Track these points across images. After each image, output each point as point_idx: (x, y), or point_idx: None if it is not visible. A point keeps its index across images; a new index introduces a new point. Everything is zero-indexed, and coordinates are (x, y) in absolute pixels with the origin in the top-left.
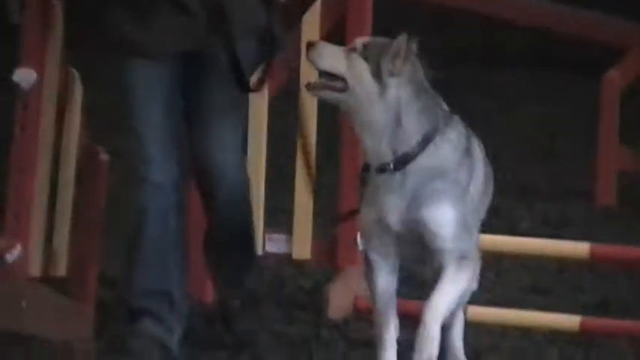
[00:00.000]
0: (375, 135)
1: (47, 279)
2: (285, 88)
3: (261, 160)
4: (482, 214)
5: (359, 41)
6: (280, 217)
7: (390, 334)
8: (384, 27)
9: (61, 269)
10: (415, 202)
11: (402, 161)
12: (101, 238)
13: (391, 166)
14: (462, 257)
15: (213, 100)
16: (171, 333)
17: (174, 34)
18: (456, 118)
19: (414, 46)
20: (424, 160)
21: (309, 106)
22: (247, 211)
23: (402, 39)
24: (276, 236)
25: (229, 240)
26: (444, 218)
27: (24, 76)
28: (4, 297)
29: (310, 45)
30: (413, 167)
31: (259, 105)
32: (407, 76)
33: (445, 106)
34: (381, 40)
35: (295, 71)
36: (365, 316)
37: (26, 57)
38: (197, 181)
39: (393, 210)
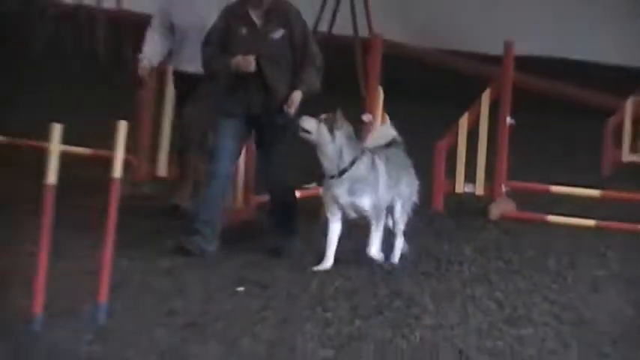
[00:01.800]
0: (329, 159)
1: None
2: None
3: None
4: (392, 192)
5: (322, 116)
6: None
7: (332, 246)
8: None
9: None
10: (349, 193)
11: (341, 173)
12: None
13: (336, 175)
14: (377, 217)
15: (268, 138)
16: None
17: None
18: (367, 150)
19: (341, 115)
20: (351, 172)
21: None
22: (289, 197)
23: (339, 113)
24: (469, 185)
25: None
26: (364, 202)
27: None
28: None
29: (302, 119)
30: (346, 175)
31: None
32: (344, 131)
33: (360, 143)
34: (332, 114)
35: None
36: (510, 219)
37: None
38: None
39: (337, 195)
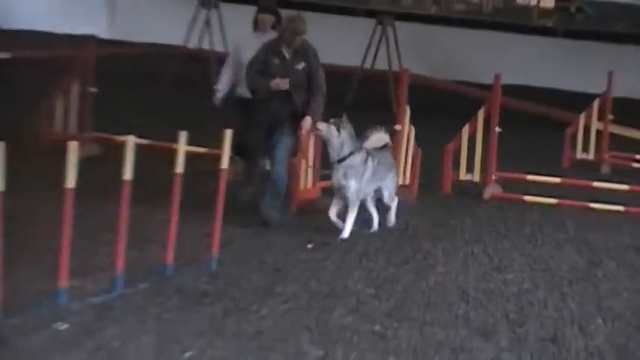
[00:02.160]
0: (333, 149)
1: None
2: None
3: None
4: (375, 183)
5: (332, 120)
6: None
7: (333, 215)
8: None
9: None
10: (343, 176)
11: (341, 160)
12: None
13: (337, 162)
14: (354, 202)
15: (278, 134)
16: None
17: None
18: (364, 149)
19: (346, 119)
20: (349, 161)
21: None
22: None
23: (345, 118)
24: (469, 174)
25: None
26: (350, 185)
27: None
28: None
29: (315, 124)
30: (345, 162)
31: None
32: (347, 130)
33: (359, 142)
34: (339, 119)
35: None
36: (498, 199)
37: None
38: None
39: (337, 177)
